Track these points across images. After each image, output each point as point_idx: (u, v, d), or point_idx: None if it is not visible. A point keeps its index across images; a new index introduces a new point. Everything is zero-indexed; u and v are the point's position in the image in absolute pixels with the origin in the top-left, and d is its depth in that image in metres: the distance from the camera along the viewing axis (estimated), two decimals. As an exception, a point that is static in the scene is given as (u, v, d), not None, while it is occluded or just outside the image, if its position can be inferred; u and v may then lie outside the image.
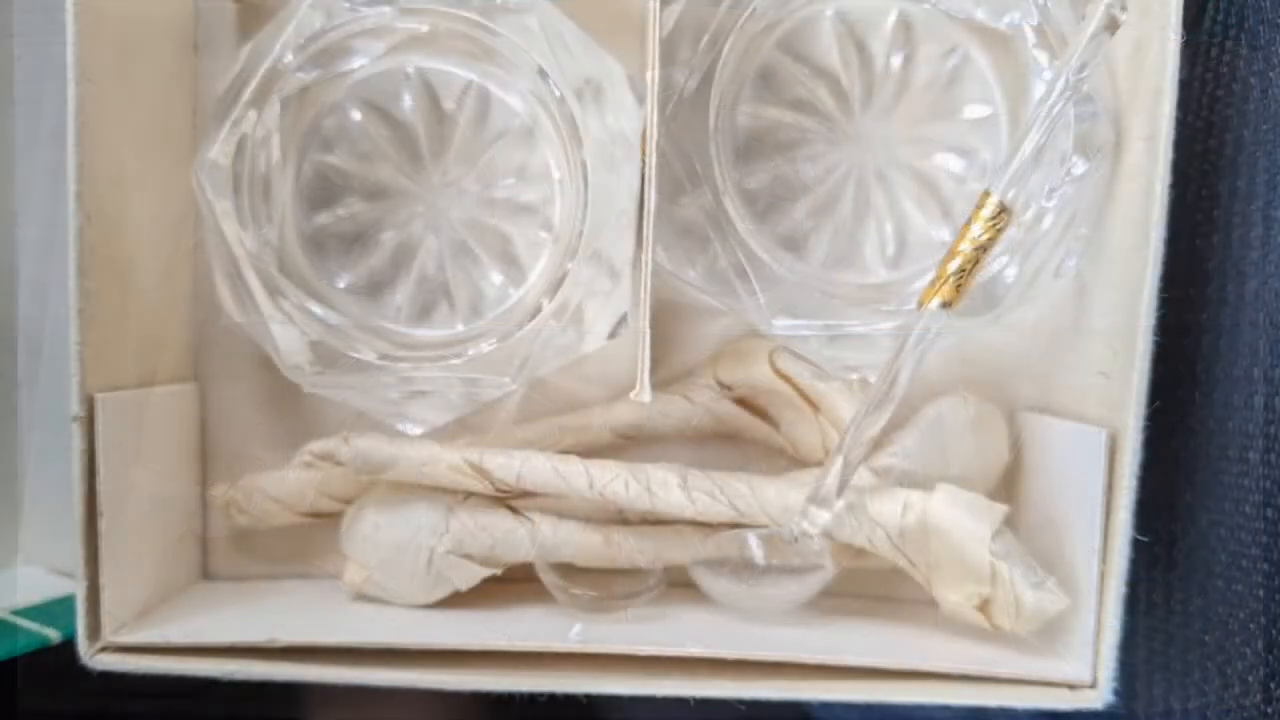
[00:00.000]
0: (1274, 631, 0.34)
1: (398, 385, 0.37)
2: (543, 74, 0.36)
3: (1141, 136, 0.34)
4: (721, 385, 0.40)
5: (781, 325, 0.37)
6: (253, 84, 0.36)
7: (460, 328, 0.40)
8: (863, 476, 0.38)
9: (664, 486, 0.38)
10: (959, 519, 0.36)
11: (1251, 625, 0.34)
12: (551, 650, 0.35)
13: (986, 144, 0.39)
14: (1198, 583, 0.37)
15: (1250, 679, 0.34)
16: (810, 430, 0.40)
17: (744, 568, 0.38)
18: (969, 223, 0.35)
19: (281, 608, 0.39)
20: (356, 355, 0.37)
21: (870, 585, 0.42)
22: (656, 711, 0.47)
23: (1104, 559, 0.34)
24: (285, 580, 0.43)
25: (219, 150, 0.36)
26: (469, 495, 0.39)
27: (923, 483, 0.38)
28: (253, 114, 0.36)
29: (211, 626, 0.37)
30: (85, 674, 0.35)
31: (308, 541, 0.43)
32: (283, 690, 0.47)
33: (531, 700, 0.35)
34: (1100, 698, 0.34)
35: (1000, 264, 0.37)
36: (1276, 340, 0.34)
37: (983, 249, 0.35)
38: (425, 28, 0.37)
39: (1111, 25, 0.33)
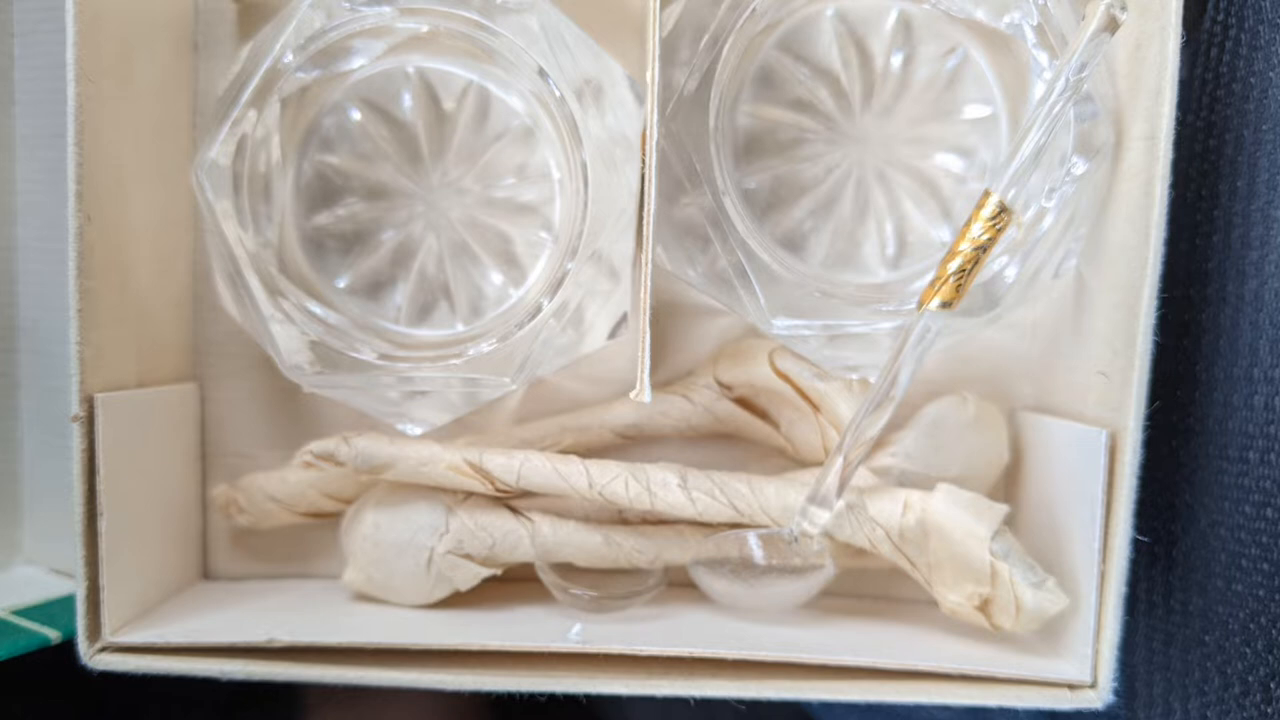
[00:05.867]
0: (1274, 631, 0.34)
1: (398, 385, 0.37)
2: (543, 74, 0.36)
3: (1141, 136, 0.34)
4: (721, 385, 0.40)
5: (781, 325, 0.37)
6: (253, 84, 0.36)
7: (460, 328, 0.40)
8: (863, 476, 0.38)
9: (664, 486, 0.38)
10: (959, 519, 0.36)
11: (1251, 625, 0.34)
12: (551, 650, 0.35)
13: (986, 144, 0.39)
14: (1198, 583, 0.37)
15: (1250, 679, 0.34)
16: (810, 430, 0.40)
17: (744, 568, 0.38)
18: (969, 223, 0.35)
19: (281, 608, 0.39)
20: (356, 355, 0.37)
21: (870, 585, 0.42)
22: (656, 712, 0.47)
23: (1104, 559, 0.34)
24: (285, 580, 0.43)
25: (219, 150, 0.36)
26: (469, 495, 0.39)
27: (923, 483, 0.38)
28: (253, 114, 0.36)
29: (211, 626, 0.37)
30: (85, 674, 0.35)
31: (308, 541, 0.43)
32: (283, 690, 0.47)
33: (531, 700, 0.35)
34: (1100, 698, 0.34)
35: (1000, 264, 0.37)
36: (1276, 340, 0.34)
37: (983, 249, 0.35)
38: (425, 28, 0.37)
39: (1111, 25, 0.33)
